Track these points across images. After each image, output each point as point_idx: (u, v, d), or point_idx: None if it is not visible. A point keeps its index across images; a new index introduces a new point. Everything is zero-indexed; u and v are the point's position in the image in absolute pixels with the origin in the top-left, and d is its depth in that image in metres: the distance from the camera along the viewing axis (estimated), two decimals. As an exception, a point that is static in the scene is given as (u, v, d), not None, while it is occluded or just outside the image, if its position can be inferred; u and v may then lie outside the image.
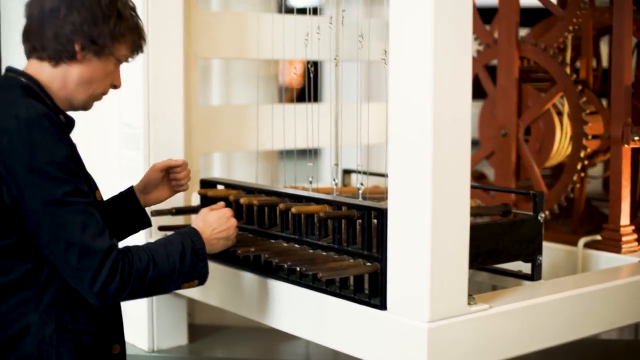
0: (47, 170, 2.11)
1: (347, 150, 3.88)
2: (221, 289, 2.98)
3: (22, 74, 2.29)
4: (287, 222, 2.78)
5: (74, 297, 2.24)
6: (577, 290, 2.66)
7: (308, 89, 3.08)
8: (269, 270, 2.78)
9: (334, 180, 2.90)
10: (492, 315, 2.41)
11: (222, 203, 2.63)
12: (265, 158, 4.58)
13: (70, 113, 2.36)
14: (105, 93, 2.40)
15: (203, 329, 3.82)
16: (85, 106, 2.37)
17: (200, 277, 2.41)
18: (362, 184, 2.75)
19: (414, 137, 2.27)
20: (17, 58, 4.16)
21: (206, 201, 3.01)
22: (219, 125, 3.76)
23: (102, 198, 2.37)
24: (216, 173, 4.67)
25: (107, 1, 2.28)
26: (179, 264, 2.32)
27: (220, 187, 3.08)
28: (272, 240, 2.80)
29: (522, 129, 3.53)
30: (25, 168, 2.10)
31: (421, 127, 2.25)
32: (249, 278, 2.86)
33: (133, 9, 2.36)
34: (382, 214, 2.40)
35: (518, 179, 3.59)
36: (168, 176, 2.73)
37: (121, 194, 2.71)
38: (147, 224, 2.73)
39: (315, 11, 3.20)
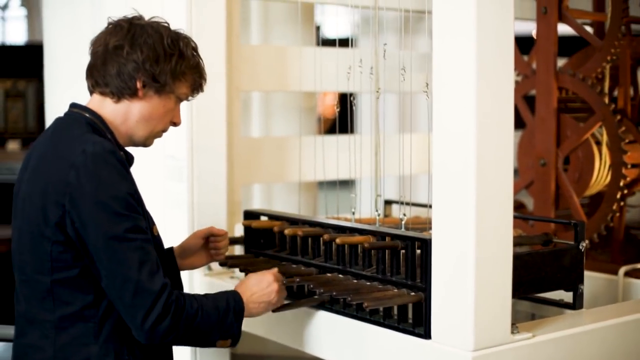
0: (111, 205, 2.18)
1: (384, 181, 3.93)
2: (266, 319, 3.02)
3: (86, 109, 2.37)
4: (331, 252, 2.82)
5: (130, 331, 2.28)
6: (619, 319, 2.68)
7: (350, 120, 3.13)
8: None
9: (377, 211, 2.93)
10: (535, 344, 2.43)
11: (273, 270, 2.64)
12: (305, 189, 4.63)
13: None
14: (165, 130, 2.47)
15: (244, 358, 3.87)
16: (146, 142, 2.46)
17: (234, 337, 2.45)
18: (404, 214, 2.79)
19: (458, 168, 2.30)
20: (58, 91, 4.30)
21: (250, 232, 3.06)
22: (260, 156, 3.83)
23: (158, 233, 2.43)
24: (256, 204, 4.73)
25: (170, 40, 2.35)
26: (222, 318, 2.37)
27: (263, 218, 3.13)
28: (316, 271, 2.84)
29: (561, 158, 3.55)
30: (90, 202, 2.17)
31: (465, 158, 2.28)
32: (293, 308, 2.91)
33: (195, 48, 2.44)
34: (425, 244, 2.44)
35: (557, 208, 3.61)
36: (207, 243, 2.79)
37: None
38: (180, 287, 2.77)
39: (344, 42, 3.26)
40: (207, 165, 3.47)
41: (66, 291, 2.26)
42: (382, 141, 3.05)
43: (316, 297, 2.69)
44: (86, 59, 4.13)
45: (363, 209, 3.38)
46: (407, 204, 2.88)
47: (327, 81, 3.56)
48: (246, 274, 2.77)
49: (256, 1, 4.45)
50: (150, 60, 2.33)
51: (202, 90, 2.50)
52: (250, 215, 3.17)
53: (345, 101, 3.20)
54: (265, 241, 3.06)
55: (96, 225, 2.18)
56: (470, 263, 2.29)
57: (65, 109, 4.16)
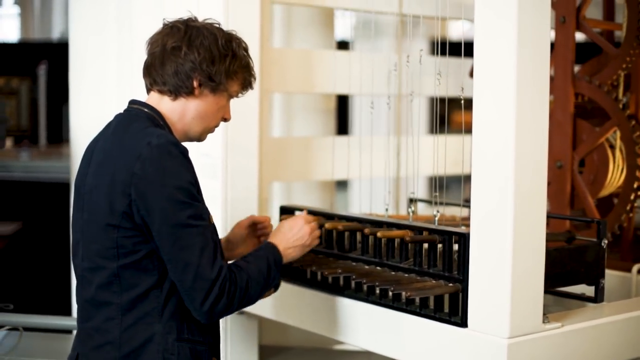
0: (174, 194, 2.33)
1: (407, 181, 4.13)
2: (301, 310, 3.18)
3: (145, 105, 2.53)
4: (367, 246, 2.99)
5: (189, 310, 2.44)
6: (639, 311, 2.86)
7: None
8: (346, 290, 2.99)
9: (410, 208, 3.10)
10: (564, 332, 2.62)
11: (302, 213, 2.84)
12: (323, 188, 4.80)
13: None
14: (217, 126, 2.63)
15: (270, 349, 4.02)
16: (200, 138, 2.61)
17: (276, 286, 2.67)
18: (438, 211, 2.96)
19: (497, 168, 2.48)
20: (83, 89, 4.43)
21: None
22: (287, 155, 3.99)
23: (214, 222, 2.57)
24: (276, 201, 4.89)
25: (224, 41, 2.51)
26: (266, 277, 2.54)
27: (297, 213, 3.29)
28: (353, 263, 3.00)
29: (577, 161, 3.72)
30: (155, 191, 2.32)
31: (504, 159, 2.46)
32: (327, 299, 3.06)
33: (246, 49, 2.60)
34: (464, 239, 2.61)
35: (572, 208, 3.78)
36: (251, 232, 2.94)
37: None
38: None
39: (343, 45, 3.42)
40: (239, 163, 3.63)
41: (132, 274, 2.40)
42: (414, 142, 3.20)
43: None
44: (112, 58, 4.30)
45: (376, 207, 3.54)
46: (438, 203, 3.04)
47: (352, 84, 3.74)
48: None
49: (279, 6, 4.60)
50: (206, 61, 2.48)
51: (251, 87, 2.65)
52: (285, 210, 3.33)
53: (344, 103, 3.35)
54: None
55: (161, 213, 2.33)
56: (508, 257, 2.46)
57: (91, 107, 4.32)
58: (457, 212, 3.62)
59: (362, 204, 4.87)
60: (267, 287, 2.56)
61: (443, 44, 3.14)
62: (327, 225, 3.02)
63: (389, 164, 3.45)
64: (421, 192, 6.10)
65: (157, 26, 3.93)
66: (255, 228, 2.94)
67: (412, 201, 3.80)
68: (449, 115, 3.13)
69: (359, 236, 3.03)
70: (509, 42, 2.45)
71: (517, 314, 2.49)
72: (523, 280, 2.50)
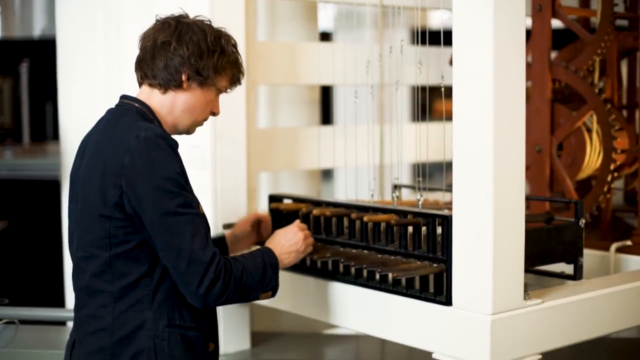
0: (163, 184, 2.43)
1: (390, 168, 4.24)
2: (292, 295, 3.29)
3: (135, 100, 2.63)
4: (354, 231, 3.10)
5: (180, 297, 2.55)
6: (616, 287, 2.99)
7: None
8: (334, 274, 3.10)
9: (395, 193, 3.21)
10: (544, 308, 2.73)
11: (296, 222, 2.95)
12: (309, 177, 4.91)
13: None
14: (206, 119, 2.73)
15: (261, 335, 4.12)
16: (189, 131, 2.71)
17: (273, 290, 2.73)
18: (421, 195, 3.07)
19: (477, 152, 2.59)
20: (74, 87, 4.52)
21: (278, 214, 3.33)
22: (275, 145, 4.09)
23: (204, 212, 2.66)
24: (264, 191, 4.99)
25: (213, 37, 2.61)
26: (262, 275, 2.65)
27: (286, 201, 3.39)
28: (341, 248, 3.11)
29: (555, 145, 3.84)
30: (144, 182, 2.42)
31: (483, 144, 2.57)
32: (317, 283, 3.17)
33: (234, 45, 2.69)
34: (447, 221, 2.72)
35: (552, 190, 3.90)
36: (254, 228, 3.14)
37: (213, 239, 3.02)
38: None
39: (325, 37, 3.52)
40: (228, 154, 3.73)
41: (124, 263, 2.51)
42: (398, 130, 3.31)
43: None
44: (100, 55, 4.37)
45: (361, 194, 3.66)
46: (422, 188, 3.15)
47: (336, 74, 3.85)
48: None
49: (263, 0, 4.70)
50: (195, 56, 2.58)
51: (240, 83, 2.75)
52: (274, 198, 3.43)
53: (326, 94, 3.45)
54: (289, 222, 3.31)
55: (151, 203, 2.43)
56: (489, 237, 2.58)
57: (80, 105, 4.39)
58: (440, 197, 3.74)
59: (348, 191, 4.98)
60: (262, 285, 2.65)
61: (423, 33, 3.25)
62: (315, 211, 3.13)
63: (372, 152, 3.56)
64: (405, 179, 6.22)
65: (145, 23, 4.02)
66: (259, 225, 3.12)
67: (396, 187, 3.92)
68: (431, 103, 3.25)
69: (346, 221, 3.14)
70: (486, 30, 2.55)
71: (499, 292, 2.61)
72: (504, 259, 2.61)
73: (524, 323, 2.67)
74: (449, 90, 2.86)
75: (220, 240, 3.07)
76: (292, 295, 3.29)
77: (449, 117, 2.76)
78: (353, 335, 4.23)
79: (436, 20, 5.35)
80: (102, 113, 3.85)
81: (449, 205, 3.60)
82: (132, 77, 4.11)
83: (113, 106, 2.68)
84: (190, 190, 2.54)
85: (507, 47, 2.58)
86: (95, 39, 4.55)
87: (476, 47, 2.59)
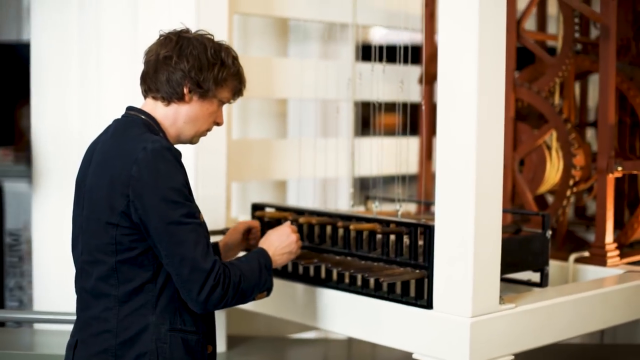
0: (168, 195, 2.54)
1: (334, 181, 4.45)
2: (278, 300, 3.44)
3: (141, 111, 2.75)
4: (337, 239, 3.28)
5: (182, 302, 2.66)
6: (579, 294, 3.21)
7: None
8: (318, 280, 3.28)
9: (375, 204, 3.41)
10: (518, 312, 2.95)
11: (287, 223, 3.11)
12: (276, 187, 5.09)
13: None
14: (209, 130, 2.84)
15: (236, 338, 4.28)
16: (192, 141, 2.83)
17: (268, 290, 2.86)
18: (400, 206, 3.27)
19: (460, 167, 2.79)
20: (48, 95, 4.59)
21: (261, 222, 3.48)
22: (250, 156, 4.26)
23: (204, 220, 2.76)
24: (235, 199, 5.15)
25: (213, 51, 2.73)
26: (258, 277, 2.78)
27: (268, 209, 3.56)
28: (325, 255, 3.29)
29: (517, 161, 4.08)
30: (150, 192, 2.53)
31: (466, 160, 2.77)
32: (301, 288, 3.35)
33: (235, 57, 2.81)
34: (429, 230, 2.92)
35: (513, 204, 4.14)
36: (245, 236, 3.24)
37: None
38: None
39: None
40: (209, 165, 3.89)
41: (129, 269, 2.61)
42: (371, 144, 3.50)
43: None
44: (73, 60, 4.43)
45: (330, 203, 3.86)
46: (404, 200, 3.35)
47: (306, 90, 4.05)
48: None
49: (237, 16, 4.86)
50: (195, 69, 2.69)
51: (241, 94, 2.87)
52: (257, 207, 3.60)
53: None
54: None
55: (157, 212, 2.54)
56: (470, 246, 2.78)
57: (52, 111, 4.44)
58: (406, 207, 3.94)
59: (300, 201, 5.22)
60: (259, 287, 2.78)
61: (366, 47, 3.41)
62: (301, 220, 3.30)
63: (352, 165, 3.75)
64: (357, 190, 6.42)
65: (126, 29, 4.16)
66: (250, 233, 3.24)
67: (368, 198, 4.13)
68: (375, 118, 3.48)
69: (328, 230, 3.32)
70: (470, 53, 2.76)
71: (478, 296, 2.81)
72: (483, 267, 2.82)
73: (500, 325, 2.88)
74: (390, 106, 3.07)
75: (215, 248, 3.17)
76: (277, 301, 3.45)
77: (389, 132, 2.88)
78: (322, 340, 4.42)
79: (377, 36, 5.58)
80: (76, 120, 3.97)
81: (419, 215, 3.83)
82: (109, 83, 4.28)
83: (119, 117, 2.80)
84: (193, 200, 2.65)
85: (490, 68, 2.80)
86: (69, 46, 4.57)
87: (461, 68, 2.79)
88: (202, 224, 2.67)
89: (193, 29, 2.82)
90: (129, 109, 2.79)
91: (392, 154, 3.54)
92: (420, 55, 4.48)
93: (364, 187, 4.68)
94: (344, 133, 4.78)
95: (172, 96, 2.72)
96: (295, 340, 4.56)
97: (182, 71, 2.69)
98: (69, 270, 4.29)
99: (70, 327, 4.20)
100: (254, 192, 5.08)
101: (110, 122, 4.24)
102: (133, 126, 2.70)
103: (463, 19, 2.78)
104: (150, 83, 2.74)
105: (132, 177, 2.54)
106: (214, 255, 2.62)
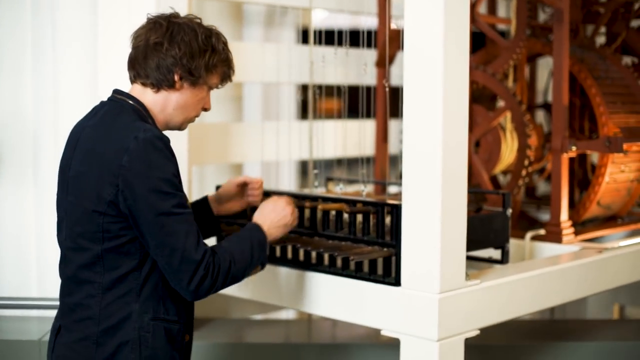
0: (159, 185, 2.52)
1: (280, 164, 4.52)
2: (245, 282, 3.48)
3: (129, 96, 2.70)
4: (303, 220, 3.34)
5: (166, 291, 2.67)
6: (538, 270, 3.31)
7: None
8: (285, 260, 3.34)
9: (340, 186, 3.47)
10: (483, 288, 3.04)
11: (283, 196, 3.06)
12: (233, 170, 5.13)
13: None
14: (197, 115, 2.82)
15: (197, 321, 4.31)
16: (181, 127, 2.81)
17: (262, 264, 2.83)
18: (365, 187, 3.34)
19: (427, 149, 2.86)
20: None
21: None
22: (208, 140, 4.29)
23: (190, 206, 2.78)
24: (195, 184, 5.18)
25: (204, 37, 2.69)
26: (249, 257, 2.75)
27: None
28: (292, 235, 3.34)
29: (473, 142, 4.17)
30: (141, 183, 2.51)
31: (433, 141, 2.84)
32: (267, 269, 3.36)
33: (225, 43, 2.78)
34: (396, 209, 2.99)
35: (469, 184, 4.23)
36: (242, 190, 3.20)
37: (196, 202, 3.15)
38: (218, 231, 3.19)
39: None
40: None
41: (115, 257, 2.61)
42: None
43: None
44: (27, 46, 4.38)
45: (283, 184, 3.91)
46: (369, 181, 3.42)
47: (264, 73, 4.10)
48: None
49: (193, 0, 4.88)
50: (186, 56, 2.65)
51: (230, 80, 2.84)
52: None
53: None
54: (237, 212, 3.51)
55: (147, 203, 2.51)
56: (437, 225, 2.86)
57: (6, 96, 4.38)
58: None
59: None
60: (251, 266, 2.76)
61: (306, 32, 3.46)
62: (269, 201, 3.34)
63: (305, 147, 3.81)
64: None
65: (80, 16, 4.13)
66: (246, 188, 3.20)
67: (329, 180, 4.19)
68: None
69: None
70: (436, 38, 2.82)
71: (445, 273, 2.89)
72: (449, 244, 2.90)
73: (466, 301, 2.97)
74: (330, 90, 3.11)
75: (203, 201, 3.15)
76: (245, 282, 3.49)
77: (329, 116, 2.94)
78: (282, 320, 4.48)
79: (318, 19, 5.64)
80: (30, 108, 3.90)
81: (378, 196, 3.91)
82: (66, 70, 4.26)
83: (106, 99, 2.75)
84: (182, 189, 2.64)
85: (455, 51, 2.87)
86: (23, 30, 4.50)
87: (426, 52, 2.86)
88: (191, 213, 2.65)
89: (153, 14, 2.77)
90: (116, 92, 2.74)
91: (346, 137, 3.59)
92: (372, 40, 4.55)
93: (307, 171, 4.75)
94: (295, 116, 4.85)
95: (162, 83, 2.68)
96: (255, 321, 4.61)
97: (173, 58, 2.65)
98: (26, 256, 4.34)
99: (25, 312, 4.25)
100: (212, 176, 5.11)
101: (67, 108, 4.31)
102: (122, 112, 2.65)
103: (429, 3, 2.84)
104: (139, 69, 2.69)
105: (123, 166, 2.52)
106: (204, 245, 2.61)
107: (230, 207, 3.21)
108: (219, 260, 2.64)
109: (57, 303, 2.80)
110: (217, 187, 3.61)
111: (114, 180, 2.53)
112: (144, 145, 2.52)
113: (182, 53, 2.65)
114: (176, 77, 2.68)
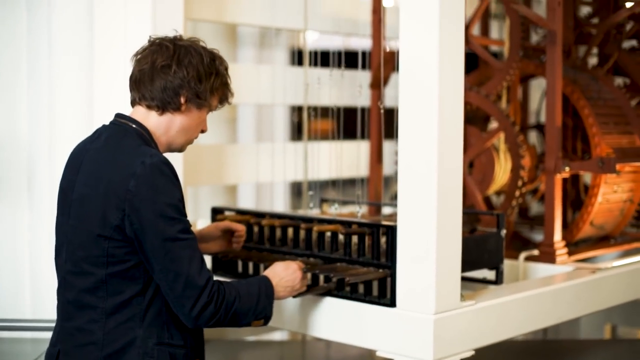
0: (166, 211, 2.53)
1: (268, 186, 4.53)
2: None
3: (133, 120, 2.70)
4: (298, 241, 3.35)
5: (169, 316, 2.65)
6: (533, 291, 3.33)
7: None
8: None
9: (335, 206, 3.49)
10: (478, 309, 3.05)
11: (297, 261, 3.06)
12: (226, 191, 5.14)
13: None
14: (196, 137, 2.84)
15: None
16: (181, 149, 2.82)
17: (266, 318, 2.80)
18: (360, 208, 3.35)
19: (422, 171, 2.87)
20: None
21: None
22: (203, 161, 4.31)
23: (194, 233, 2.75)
24: (190, 205, 5.18)
25: (209, 60, 2.71)
26: (255, 302, 2.75)
27: (228, 213, 3.60)
28: (288, 257, 3.35)
29: (467, 163, 4.19)
30: (148, 208, 2.51)
31: (428, 163, 2.86)
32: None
33: (226, 67, 2.80)
34: (391, 230, 3.00)
35: (463, 205, 4.24)
36: (223, 235, 3.23)
37: None
38: None
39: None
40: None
41: (119, 282, 2.60)
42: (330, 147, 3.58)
43: (324, 285, 3.15)
44: (22, 65, 4.36)
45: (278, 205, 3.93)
46: (365, 202, 3.43)
47: (258, 94, 4.11)
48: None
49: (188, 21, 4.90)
50: (194, 79, 2.66)
51: (229, 102, 2.87)
52: (217, 211, 3.65)
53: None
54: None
55: (153, 228, 2.51)
56: (433, 246, 2.87)
57: (0, 115, 4.36)
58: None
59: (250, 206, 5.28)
60: (255, 312, 2.73)
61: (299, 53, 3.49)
62: (264, 222, 3.36)
63: (299, 169, 3.82)
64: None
65: (77, 38, 4.12)
66: (230, 234, 3.24)
67: (323, 201, 4.20)
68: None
69: (290, 232, 3.38)
70: (431, 58, 2.85)
71: (440, 294, 2.90)
72: (445, 265, 2.91)
73: (462, 321, 2.98)
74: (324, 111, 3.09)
75: None
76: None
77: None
78: (276, 342, 4.48)
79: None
80: (25, 128, 3.89)
81: (372, 217, 3.92)
82: (61, 89, 4.26)
83: (108, 123, 2.75)
84: (186, 214, 2.63)
85: (450, 72, 2.90)
86: (18, 50, 4.48)
87: (421, 74, 2.88)
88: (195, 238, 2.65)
89: (147, 35, 2.78)
90: (119, 116, 2.74)
91: (341, 158, 3.61)
92: (366, 61, 4.57)
93: (300, 192, 4.77)
94: (289, 137, 4.86)
95: (168, 105, 2.69)
96: (249, 342, 4.61)
97: (181, 80, 2.66)
98: (20, 277, 4.34)
99: (19, 334, 4.24)
100: (206, 197, 5.12)
101: (62, 129, 4.31)
102: (127, 136, 2.65)
103: (424, 26, 2.87)
104: (145, 91, 2.69)
105: (130, 191, 2.52)
106: (208, 271, 2.61)
107: (209, 248, 3.23)
108: (224, 291, 2.64)
109: (52, 325, 2.79)
110: (213, 210, 3.64)
111: (121, 204, 2.53)
112: (151, 170, 2.53)
113: (190, 76, 2.67)
114: (182, 100, 2.68)
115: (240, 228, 3.24)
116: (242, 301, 2.69)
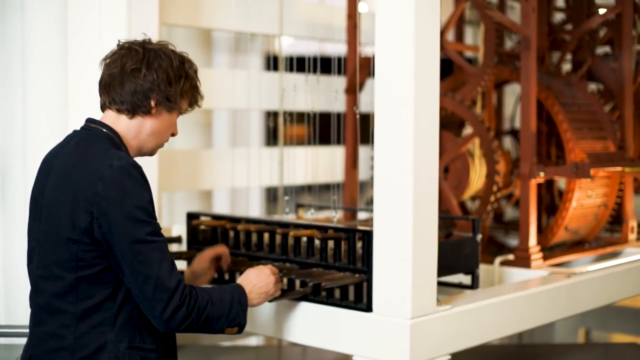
0: (134, 213, 2.51)
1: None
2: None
3: (103, 124, 2.69)
4: (274, 245, 3.34)
5: (141, 320, 2.64)
6: (508, 295, 3.34)
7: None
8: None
9: (311, 211, 3.49)
10: (454, 313, 3.06)
11: (268, 265, 3.02)
12: (201, 197, 5.13)
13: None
14: (167, 141, 2.82)
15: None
16: (152, 152, 2.80)
17: (240, 326, 2.77)
18: (336, 213, 3.35)
19: (398, 176, 2.88)
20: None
21: (194, 231, 3.53)
22: (178, 167, 4.30)
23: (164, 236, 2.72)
24: (165, 211, 5.17)
25: (178, 63, 2.70)
26: (228, 309, 2.72)
27: (204, 218, 3.59)
28: (263, 261, 3.34)
29: (441, 168, 4.20)
30: (116, 211, 2.50)
31: (404, 168, 2.87)
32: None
33: (195, 70, 2.80)
34: (367, 235, 3.01)
35: (438, 210, 4.25)
36: (212, 262, 3.22)
37: None
38: None
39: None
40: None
41: (89, 286, 2.58)
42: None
43: (300, 290, 3.13)
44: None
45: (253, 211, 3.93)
46: (340, 208, 3.43)
47: (234, 100, 4.11)
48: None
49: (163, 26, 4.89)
50: (164, 82, 2.65)
51: (199, 105, 2.86)
52: (192, 216, 3.63)
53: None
54: (208, 238, 3.53)
55: (122, 231, 2.50)
56: (409, 251, 2.88)
57: None
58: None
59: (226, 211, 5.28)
60: (228, 319, 2.71)
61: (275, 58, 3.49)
62: (240, 227, 3.35)
63: (274, 174, 3.82)
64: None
65: (51, 44, 4.10)
66: (216, 259, 3.23)
67: (299, 206, 4.20)
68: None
69: (266, 237, 3.37)
70: (407, 62, 2.86)
71: (417, 299, 2.91)
72: (421, 270, 2.92)
73: (438, 326, 2.99)
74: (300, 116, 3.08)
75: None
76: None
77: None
78: (252, 347, 4.47)
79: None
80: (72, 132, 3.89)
81: (347, 222, 3.93)
82: (35, 97, 4.24)
83: (79, 128, 2.74)
84: (155, 217, 2.62)
85: (425, 78, 2.91)
86: None
87: (397, 79, 2.89)
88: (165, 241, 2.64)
89: (123, 39, 2.77)
90: (89, 121, 2.72)
91: (317, 164, 3.62)
92: (341, 67, 4.58)
93: (275, 197, 4.77)
94: (264, 142, 4.85)
95: (138, 109, 2.67)
96: (225, 348, 4.60)
97: (150, 84, 2.65)
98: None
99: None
100: (181, 203, 5.11)
101: (36, 135, 4.29)
102: (96, 140, 2.64)
103: (399, 32, 2.88)
104: (114, 95, 2.67)
105: (98, 194, 2.51)
106: (179, 274, 2.60)
107: (205, 280, 3.22)
108: (196, 294, 2.63)
109: (26, 331, 2.77)
110: (188, 216, 3.63)
111: (89, 207, 2.52)
112: (119, 172, 2.52)
113: (160, 79, 2.66)
114: (152, 103, 2.67)
115: (224, 250, 3.24)
116: (214, 306, 2.67)
